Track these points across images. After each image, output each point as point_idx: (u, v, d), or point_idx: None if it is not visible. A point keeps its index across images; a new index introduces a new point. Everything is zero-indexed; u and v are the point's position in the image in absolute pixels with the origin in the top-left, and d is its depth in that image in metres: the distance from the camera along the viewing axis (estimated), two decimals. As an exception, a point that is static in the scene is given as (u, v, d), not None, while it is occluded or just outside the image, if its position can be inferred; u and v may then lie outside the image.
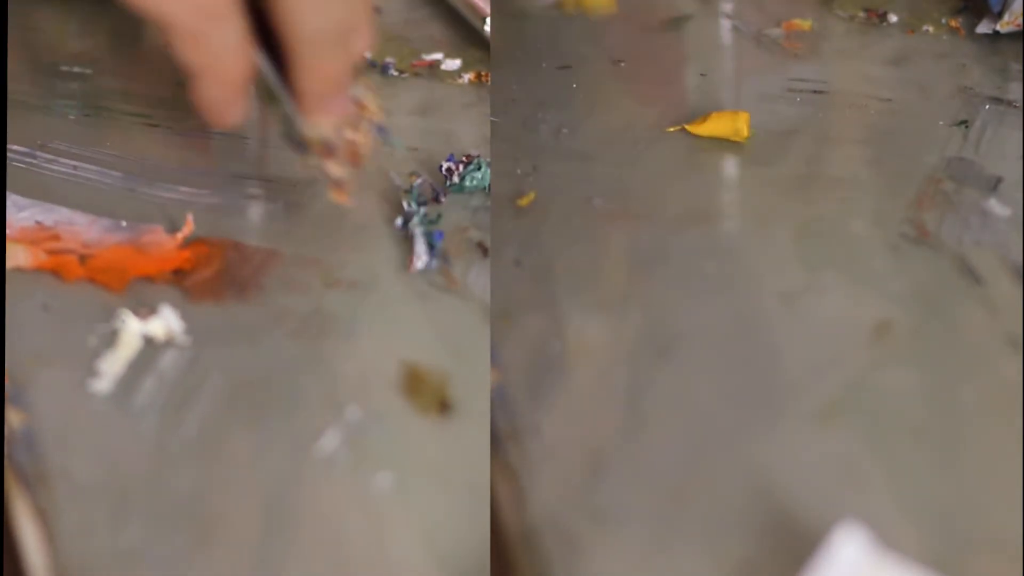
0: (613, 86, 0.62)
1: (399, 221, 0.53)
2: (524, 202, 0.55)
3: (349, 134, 0.48)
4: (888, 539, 0.39)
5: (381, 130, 0.51)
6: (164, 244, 0.51)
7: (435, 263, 0.51)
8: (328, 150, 0.47)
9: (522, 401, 0.46)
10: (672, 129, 0.59)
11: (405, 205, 0.53)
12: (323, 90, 0.45)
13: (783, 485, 0.42)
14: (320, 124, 0.46)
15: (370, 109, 0.49)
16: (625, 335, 0.48)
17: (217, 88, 0.46)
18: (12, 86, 0.58)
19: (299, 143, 0.47)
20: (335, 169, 0.48)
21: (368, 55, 0.47)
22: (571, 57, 0.64)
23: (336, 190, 0.49)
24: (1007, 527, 0.41)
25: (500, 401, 0.46)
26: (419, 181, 0.54)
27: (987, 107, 0.59)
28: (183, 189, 0.54)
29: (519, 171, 0.57)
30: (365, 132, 0.49)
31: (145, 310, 0.48)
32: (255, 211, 0.54)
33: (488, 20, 0.64)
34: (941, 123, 0.58)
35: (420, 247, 0.52)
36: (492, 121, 0.60)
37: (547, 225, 0.54)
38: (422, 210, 0.53)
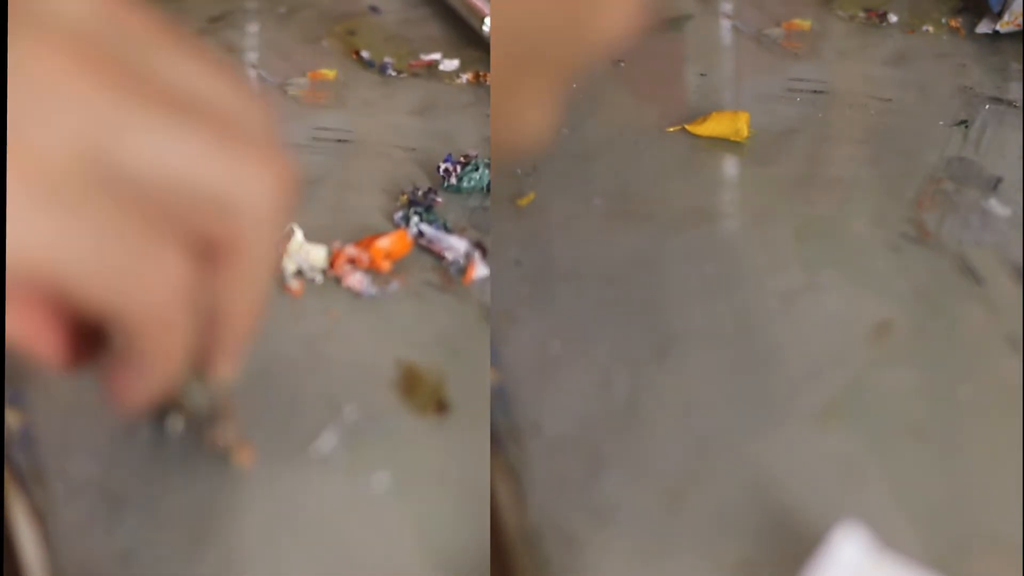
0: (613, 86, 0.62)
1: (399, 216, 0.53)
2: (524, 202, 0.55)
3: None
4: (888, 539, 0.39)
5: None
6: None
7: (465, 248, 0.51)
8: (226, 411, 0.42)
9: (522, 401, 0.46)
10: (672, 129, 0.59)
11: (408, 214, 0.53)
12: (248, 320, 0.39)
13: (783, 485, 0.42)
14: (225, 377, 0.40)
15: None
16: (625, 335, 0.48)
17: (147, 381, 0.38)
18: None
19: (209, 416, 0.43)
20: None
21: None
22: (571, 57, 0.64)
23: (243, 452, 0.43)
24: (1007, 527, 0.41)
25: (500, 401, 0.46)
26: (411, 192, 0.54)
27: (987, 107, 0.59)
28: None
29: (519, 171, 0.57)
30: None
31: None
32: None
33: (487, 20, 0.64)
34: (941, 123, 0.58)
35: (448, 241, 0.52)
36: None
37: (547, 225, 0.54)
38: (425, 215, 0.53)
